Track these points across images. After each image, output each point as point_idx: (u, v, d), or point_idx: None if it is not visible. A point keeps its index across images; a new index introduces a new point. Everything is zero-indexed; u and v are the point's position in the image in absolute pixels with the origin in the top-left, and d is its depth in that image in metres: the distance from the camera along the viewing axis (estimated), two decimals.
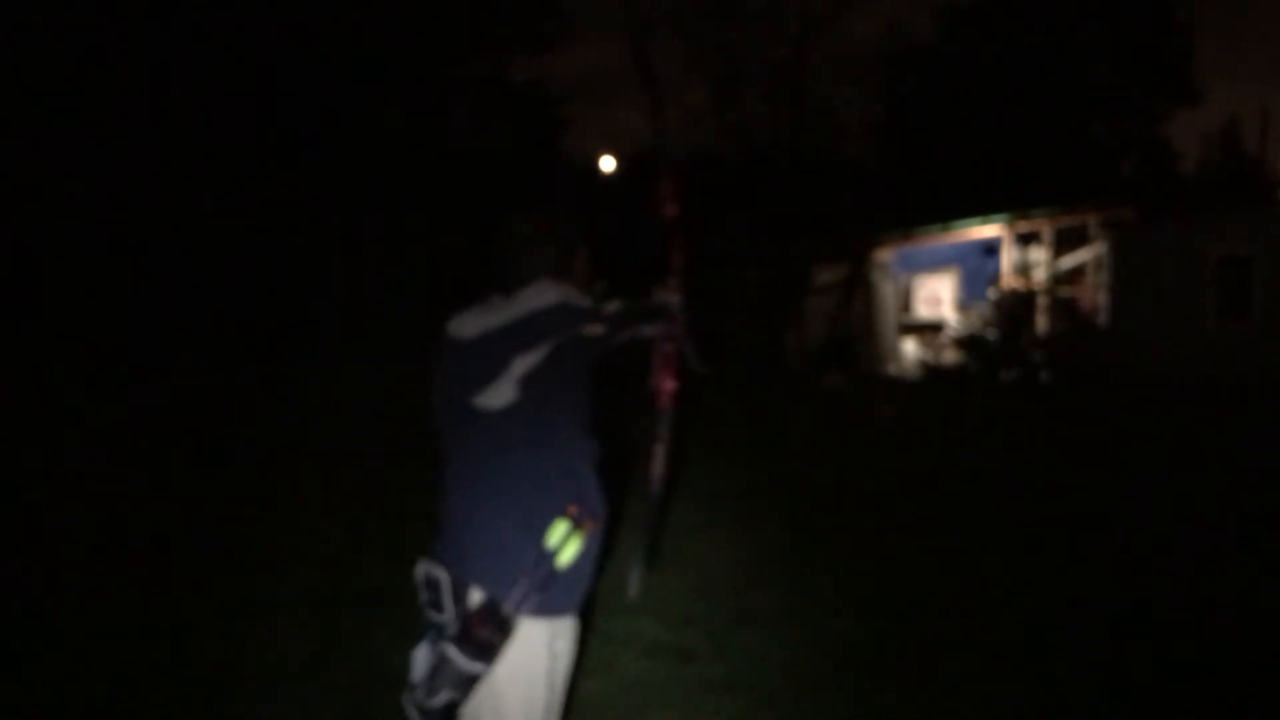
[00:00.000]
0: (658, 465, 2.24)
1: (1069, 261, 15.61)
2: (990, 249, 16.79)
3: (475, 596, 1.89)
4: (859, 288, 18.04)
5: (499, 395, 1.87)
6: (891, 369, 17.03)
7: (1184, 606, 4.41)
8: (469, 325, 1.95)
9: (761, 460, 8.09)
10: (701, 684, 3.61)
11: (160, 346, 13.12)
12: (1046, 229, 15.45)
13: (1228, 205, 15.96)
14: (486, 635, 1.85)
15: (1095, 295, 15.07)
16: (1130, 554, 5.29)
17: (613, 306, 2.13)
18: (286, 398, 11.06)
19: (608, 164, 22.93)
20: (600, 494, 2.04)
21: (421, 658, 1.92)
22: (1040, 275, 15.67)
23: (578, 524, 1.90)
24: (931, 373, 15.56)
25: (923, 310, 18.16)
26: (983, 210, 16.66)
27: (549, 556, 1.88)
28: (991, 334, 15.25)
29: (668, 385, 2.24)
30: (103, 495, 6.59)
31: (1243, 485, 6.93)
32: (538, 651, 1.96)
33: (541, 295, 1.92)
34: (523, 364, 1.85)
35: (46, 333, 12.64)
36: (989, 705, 3.46)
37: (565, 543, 1.88)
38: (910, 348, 17.26)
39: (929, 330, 17.10)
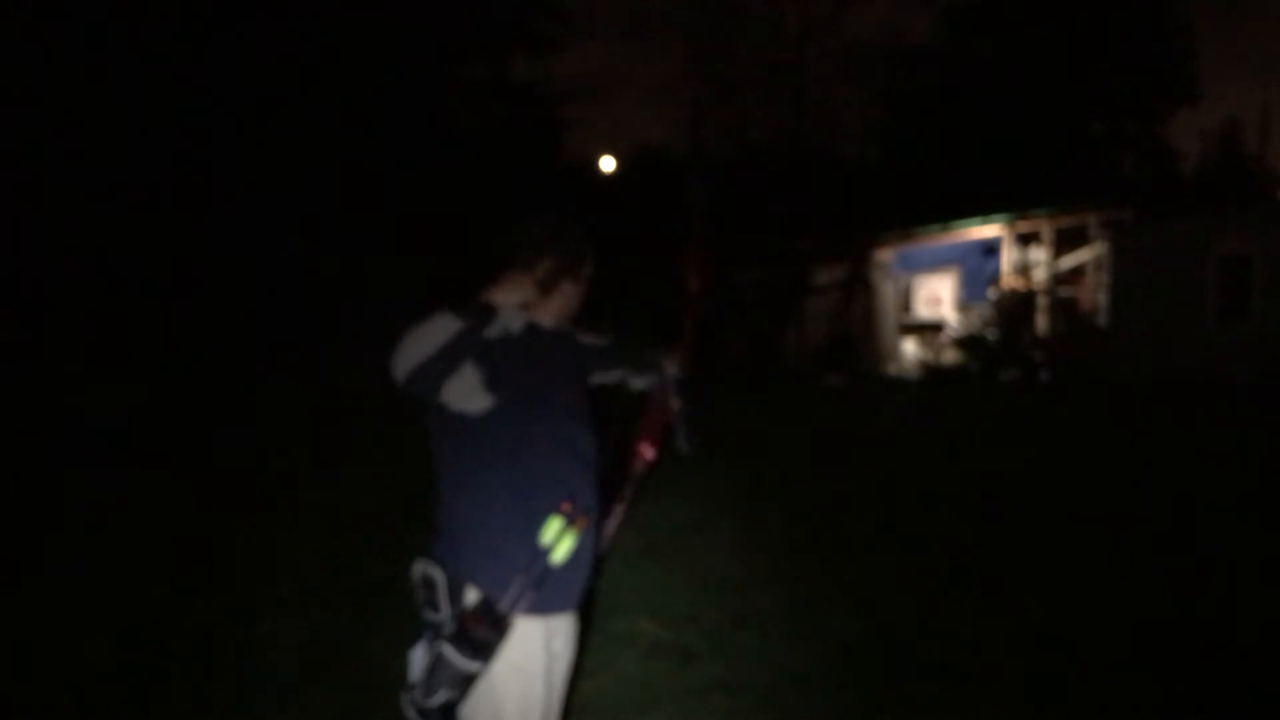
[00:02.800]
0: (612, 523, 2.21)
1: (1069, 261, 15.61)
2: (990, 249, 16.79)
3: (471, 596, 1.90)
4: (859, 288, 18.04)
5: (474, 401, 1.87)
6: (891, 369, 17.02)
7: (1185, 607, 4.41)
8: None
9: (761, 460, 8.09)
10: (701, 684, 3.60)
11: (162, 345, 13.11)
12: (1046, 229, 15.45)
13: (1228, 205, 15.96)
14: (483, 634, 1.85)
15: (1095, 295, 15.07)
16: (1131, 554, 5.28)
17: (605, 343, 2.14)
18: (287, 396, 11.06)
19: (608, 164, 22.95)
20: (594, 490, 2.04)
21: (419, 658, 1.92)
22: (1040, 275, 15.67)
23: (571, 521, 1.90)
24: (931, 373, 15.55)
25: (923, 310, 18.16)
26: (983, 210, 16.67)
27: (543, 554, 1.88)
28: (991, 334, 15.24)
29: (648, 453, 2.22)
30: (102, 495, 6.59)
31: (1243, 485, 6.92)
32: (534, 650, 1.97)
33: (427, 339, 1.85)
34: (465, 378, 1.85)
35: (46, 333, 12.63)
36: (989, 706, 3.46)
37: (559, 539, 1.89)
38: (910, 348, 17.26)
39: (929, 330, 17.09)
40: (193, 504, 6.35)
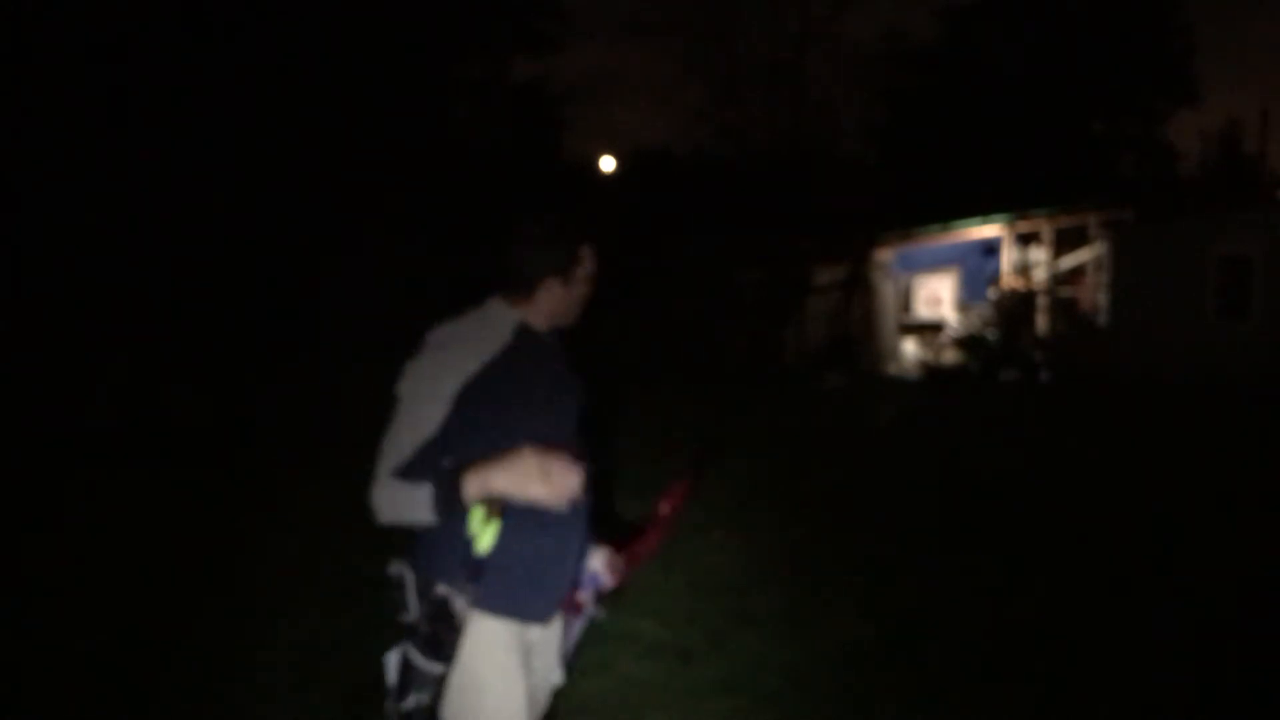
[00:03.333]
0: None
1: (1069, 261, 15.61)
2: (990, 249, 16.80)
3: (437, 593, 1.86)
4: (859, 288, 18.05)
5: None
6: (891, 369, 17.03)
7: (1186, 606, 4.41)
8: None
9: (761, 460, 8.09)
10: (701, 684, 3.61)
11: (163, 345, 13.11)
12: (1046, 229, 15.45)
13: (1228, 205, 15.96)
14: (440, 632, 1.82)
15: (1095, 295, 15.07)
16: (1131, 554, 5.29)
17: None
18: (288, 397, 11.06)
19: (608, 164, 22.96)
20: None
21: (393, 662, 1.89)
22: (1040, 275, 15.67)
23: (490, 509, 1.81)
24: (931, 373, 15.56)
25: (923, 310, 18.17)
26: (983, 210, 16.67)
27: (469, 543, 1.83)
28: (991, 334, 15.25)
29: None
30: (104, 495, 6.59)
31: (1244, 486, 6.92)
32: (503, 650, 1.90)
33: (405, 512, 1.83)
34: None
35: (49, 333, 12.64)
36: (989, 706, 3.46)
37: (482, 529, 1.81)
38: (910, 348, 17.27)
39: (929, 330, 17.10)
40: (192, 504, 6.35)
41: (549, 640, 2.06)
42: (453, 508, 1.77)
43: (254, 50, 16.14)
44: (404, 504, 1.80)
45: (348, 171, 16.89)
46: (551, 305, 2.01)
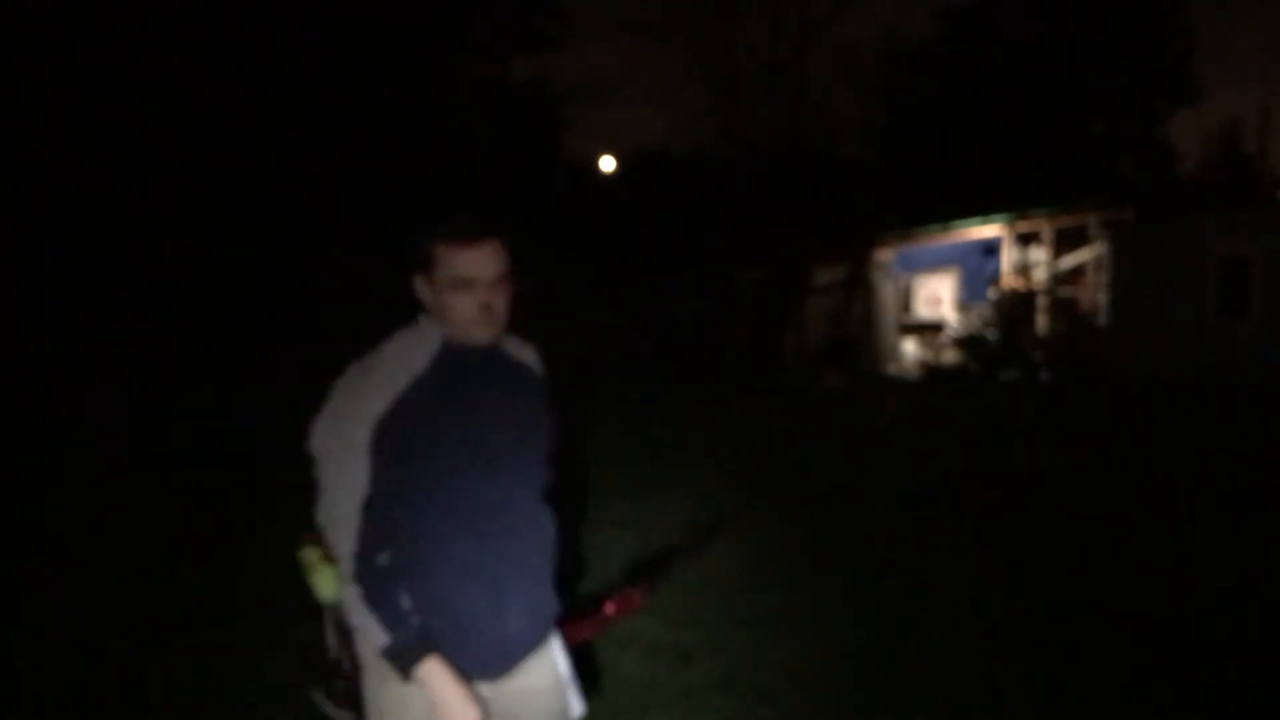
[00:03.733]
0: None
1: (1069, 261, 15.61)
2: (990, 249, 16.79)
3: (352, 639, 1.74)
4: (859, 288, 18.05)
5: None
6: (891, 369, 17.03)
7: (1186, 607, 4.41)
8: None
9: (761, 460, 8.09)
10: (701, 684, 3.61)
11: (165, 351, 13.11)
12: (1046, 229, 15.45)
13: (1228, 205, 15.95)
14: (339, 680, 1.74)
15: (1095, 295, 15.08)
16: (1131, 554, 5.28)
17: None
18: (289, 400, 11.04)
19: (608, 164, 22.97)
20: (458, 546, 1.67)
21: (320, 699, 1.82)
22: (1040, 275, 15.67)
23: (326, 550, 1.64)
24: (931, 373, 15.55)
25: (923, 310, 18.16)
26: (983, 210, 16.67)
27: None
28: (991, 334, 15.24)
29: None
30: (106, 499, 6.59)
31: (1243, 486, 6.92)
32: (411, 709, 1.64)
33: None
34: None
35: (46, 335, 12.63)
36: (989, 706, 3.46)
37: (319, 568, 1.65)
38: (910, 348, 17.26)
39: (929, 330, 17.10)
40: (193, 507, 6.35)
41: (529, 687, 1.76)
42: (401, 668, 1.58)
43: (254, 49, 16.14)
44: (362, 623, 1.63)
45: (348, 172, 16.88)
46: (436, 310, 1.74)
